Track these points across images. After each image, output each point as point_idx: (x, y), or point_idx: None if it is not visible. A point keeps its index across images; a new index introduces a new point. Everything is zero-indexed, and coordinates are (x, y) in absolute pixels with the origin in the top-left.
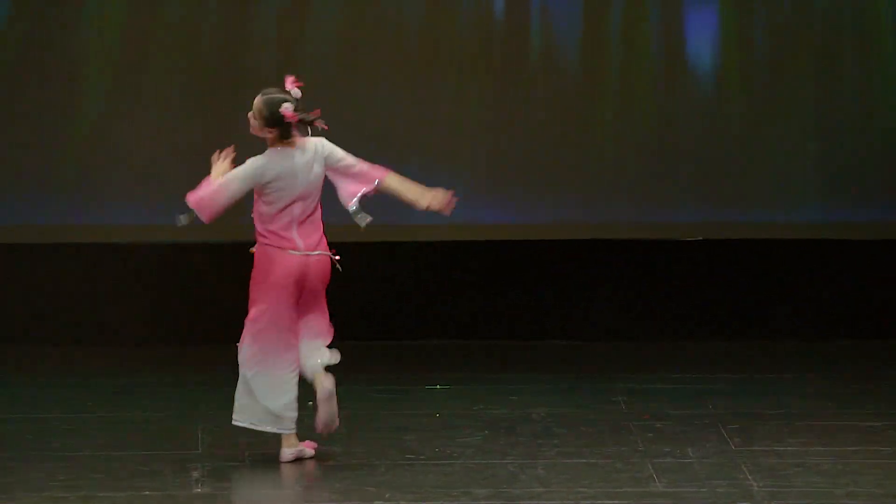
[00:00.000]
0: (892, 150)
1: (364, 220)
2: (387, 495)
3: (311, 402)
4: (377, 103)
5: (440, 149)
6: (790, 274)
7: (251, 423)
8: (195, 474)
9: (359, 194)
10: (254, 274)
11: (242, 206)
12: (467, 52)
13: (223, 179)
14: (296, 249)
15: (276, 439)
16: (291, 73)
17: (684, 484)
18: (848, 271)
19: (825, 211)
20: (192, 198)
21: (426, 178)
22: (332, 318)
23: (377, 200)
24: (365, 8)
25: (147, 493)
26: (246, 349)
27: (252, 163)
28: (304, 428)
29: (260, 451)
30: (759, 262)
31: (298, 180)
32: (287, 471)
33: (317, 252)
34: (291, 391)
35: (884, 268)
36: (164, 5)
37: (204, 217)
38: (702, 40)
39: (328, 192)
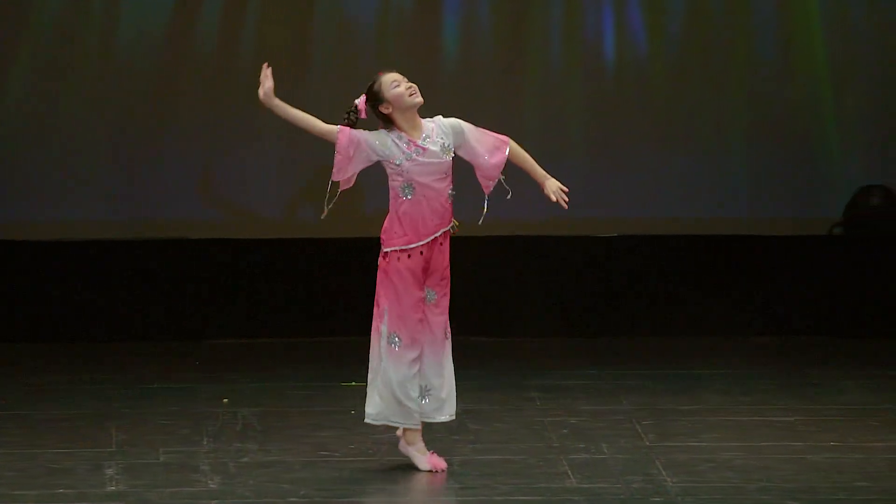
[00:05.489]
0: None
1: None
2: (301, 492)
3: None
4: None
5: None
6: (705, 270)
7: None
8: (109, 472)
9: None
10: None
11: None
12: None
13: None
14: None
15: (188, 438)
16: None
17: (599, 480)
18: (765, 267)
19: (747, 208)
20: None
21: None
22: None
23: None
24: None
25: (60, 491)
26: None
27: None
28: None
29: (174, 448)
30: (675, 258)
31: None
32: (203, 468)
33: None
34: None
35: (800, 264)
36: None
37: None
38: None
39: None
